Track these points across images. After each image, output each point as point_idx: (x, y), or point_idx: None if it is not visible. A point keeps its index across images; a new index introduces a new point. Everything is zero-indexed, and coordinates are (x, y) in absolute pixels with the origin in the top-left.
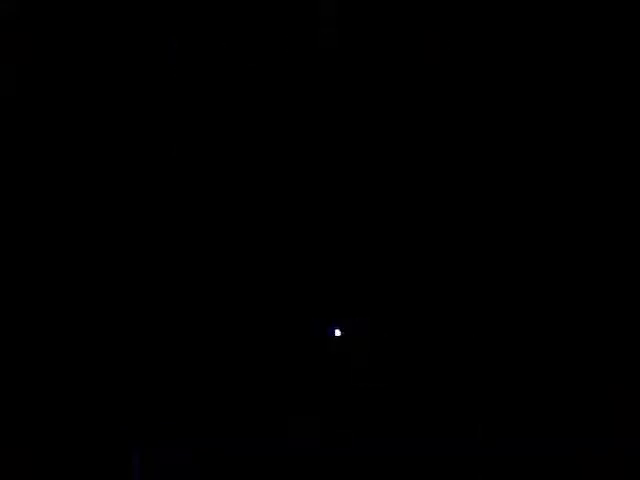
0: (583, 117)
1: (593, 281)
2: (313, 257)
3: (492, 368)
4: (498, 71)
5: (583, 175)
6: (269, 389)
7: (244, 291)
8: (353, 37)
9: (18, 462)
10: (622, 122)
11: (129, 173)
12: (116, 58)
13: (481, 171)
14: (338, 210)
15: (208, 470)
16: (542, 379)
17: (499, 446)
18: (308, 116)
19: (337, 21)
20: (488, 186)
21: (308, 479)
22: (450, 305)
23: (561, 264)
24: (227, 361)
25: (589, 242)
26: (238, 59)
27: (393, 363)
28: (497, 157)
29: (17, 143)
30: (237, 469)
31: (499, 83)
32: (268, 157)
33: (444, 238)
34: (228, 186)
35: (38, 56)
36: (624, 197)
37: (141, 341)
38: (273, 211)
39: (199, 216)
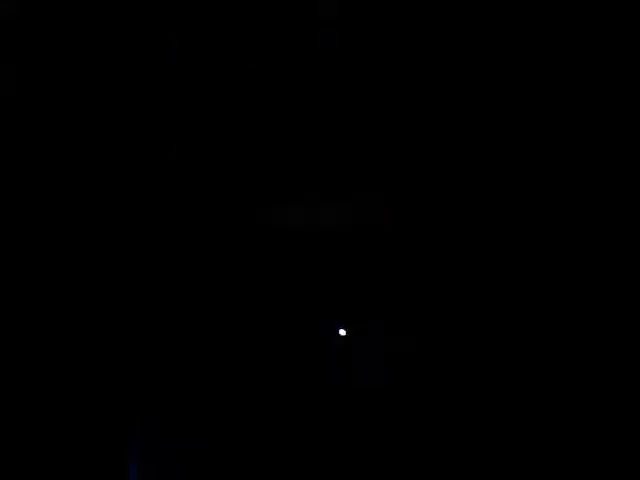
0: (584, 117)
1: (593, 286)
2: (313, 260)
3: (492, 372)
4: (498, 72)
5: (583, 175)
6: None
7: (243, 293)
8: (353, 37)
9: (18, 462)
10: (622, 122)
11: (129, 173)
12: (116, 58)
13: (481, 172)
14: (337, 208)
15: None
16: (542, 383)
17: (497, 447)
18: (308, 116)
19: (337, 21)
20: (488, 186)
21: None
22: (452, 310)
23: (561, 268)
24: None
25: (589, 245)
26: (238, 59)
27: (394, 365)
28: (497, 158)
29: (17, 143)
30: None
31: (499, 84)
32: (268, 156)
33: (445, 241)
34: (227, 185)
35: (38, 56)
36: (624, 198)
37: (141, 343)
38: (272, 210)
39: (199, 216)
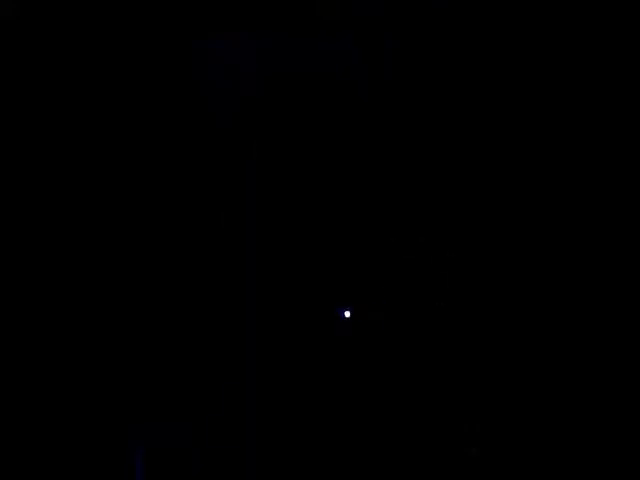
0: (584, 117)
1: (594, 293)
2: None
3: (491, 372)
4: (500, 72)
5: (584, 176)
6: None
7: (243, 292)
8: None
9: (18, 462)
10: (622, 123)
11: (129, 176)
12: (116, 59)
13: (482, 172)
14: (337, 209)
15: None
16: (541, 384)
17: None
18: (309, 117)
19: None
20: (489, 186)
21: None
22: (451, 313)
23: (561, 273)
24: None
25: (590, 246)
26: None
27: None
28: (498, 158)
29: (17, 143)
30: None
31: (501, 84)
32: (267, 157)
33: (444, 242)
34: (228, 187)
35: (38, 56)
36: (624, 199)
37: (140, 341)
38: (273, 208)
39: (199, 216)
